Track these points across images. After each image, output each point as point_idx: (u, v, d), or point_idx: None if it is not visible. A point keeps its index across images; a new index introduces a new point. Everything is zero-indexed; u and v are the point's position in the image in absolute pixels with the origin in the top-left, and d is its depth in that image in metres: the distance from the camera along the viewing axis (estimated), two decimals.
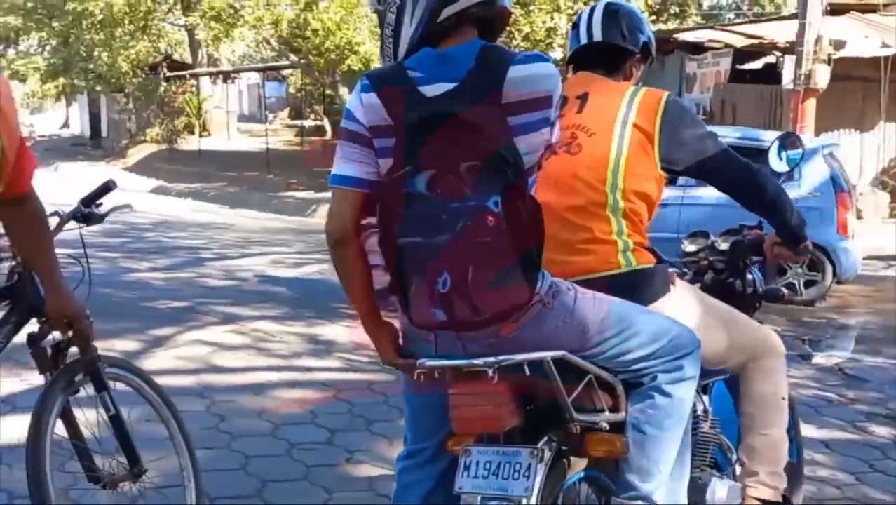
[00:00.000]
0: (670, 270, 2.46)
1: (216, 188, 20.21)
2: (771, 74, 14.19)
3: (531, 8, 16.42)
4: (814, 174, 7.66)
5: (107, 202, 2.90)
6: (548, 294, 1.93)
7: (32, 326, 2.53)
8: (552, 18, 16.35)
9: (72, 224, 2.79)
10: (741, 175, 2.41)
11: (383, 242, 1.90)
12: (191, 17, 24.82)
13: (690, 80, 15.14)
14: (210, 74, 28.49)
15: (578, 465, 2.10)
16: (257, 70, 29.13)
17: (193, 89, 27.76)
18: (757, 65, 15.41)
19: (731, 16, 26.41)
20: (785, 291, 3.09)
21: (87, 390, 2.58)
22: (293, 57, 23.01)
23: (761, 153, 3.31)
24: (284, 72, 30.06)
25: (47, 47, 30.29)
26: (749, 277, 2.78)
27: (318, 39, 19.83)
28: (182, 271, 9.03)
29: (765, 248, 2.69)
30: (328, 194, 2.09)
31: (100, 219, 2.86)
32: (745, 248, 2.74)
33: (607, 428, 2.05)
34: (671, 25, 20.28)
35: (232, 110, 29.11)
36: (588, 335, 1.98)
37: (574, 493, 2.12)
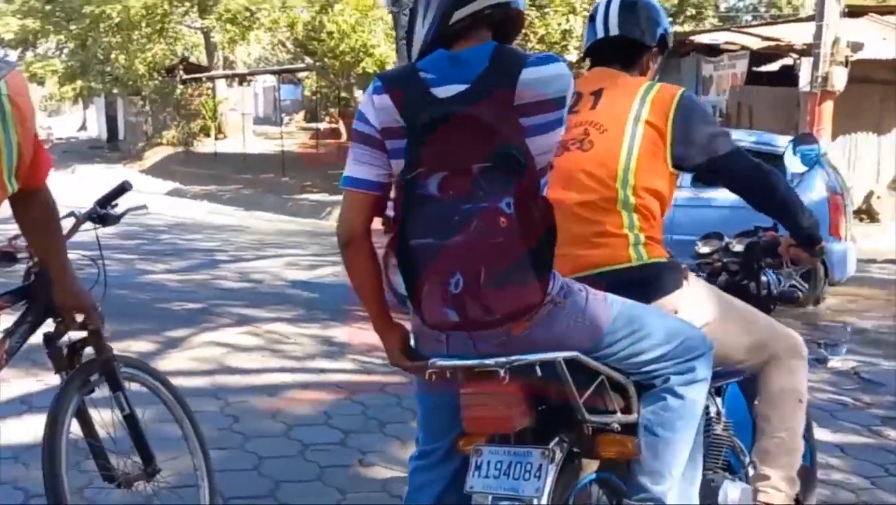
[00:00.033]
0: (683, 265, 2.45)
1: (231, 190, 20.29)
2: (788, 77, 14.08)
3: (547, 10, 16.42)
4: (805, 176, 7.62)
5: (122, 203, 2.91)
6: (559, 294, 1.93)
7: (49, 326, 2.55)
8: (567, 21, 16.36)
9: (87, 225, 2.80)
10: (752, 175, 2.39)
11: (396, 244, 1.90)
12: (207, 19, 24.90)
13: (707, 82, 15.06)
14: (226, 77, 28.63)
15: (590, 466, 2.10)
16: (273, 73, 29.27)
17: (209, 92, 27.88)
18: (774, 67, 15.30)
19: (748, 18, 26.33)
20: (800, 293, 3.08)
21: (103, 390, 2.60)
22: (308, 60, 23.11)
23: (776, 158, 3.30)
24: (300, 74, 30.18)
25: (65, 50, 30.43)
26: (763, 278, 2.77)
27: (334, 42, 19.92)
28: (197, 273, 9.09)
29: (780, 250, 2.67)
30: (342, 197, 2.09)
31: (115, 220, 2.86)
32: (760, 250, 2.73)
33: (619, 429, 2.04)
34: (688, 27, 20.25)
35: (247, 113, 29.18)
36: (599, 335, 1.98)
37: (585, 494, 2.12)
